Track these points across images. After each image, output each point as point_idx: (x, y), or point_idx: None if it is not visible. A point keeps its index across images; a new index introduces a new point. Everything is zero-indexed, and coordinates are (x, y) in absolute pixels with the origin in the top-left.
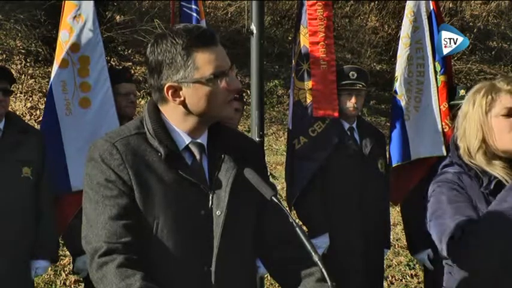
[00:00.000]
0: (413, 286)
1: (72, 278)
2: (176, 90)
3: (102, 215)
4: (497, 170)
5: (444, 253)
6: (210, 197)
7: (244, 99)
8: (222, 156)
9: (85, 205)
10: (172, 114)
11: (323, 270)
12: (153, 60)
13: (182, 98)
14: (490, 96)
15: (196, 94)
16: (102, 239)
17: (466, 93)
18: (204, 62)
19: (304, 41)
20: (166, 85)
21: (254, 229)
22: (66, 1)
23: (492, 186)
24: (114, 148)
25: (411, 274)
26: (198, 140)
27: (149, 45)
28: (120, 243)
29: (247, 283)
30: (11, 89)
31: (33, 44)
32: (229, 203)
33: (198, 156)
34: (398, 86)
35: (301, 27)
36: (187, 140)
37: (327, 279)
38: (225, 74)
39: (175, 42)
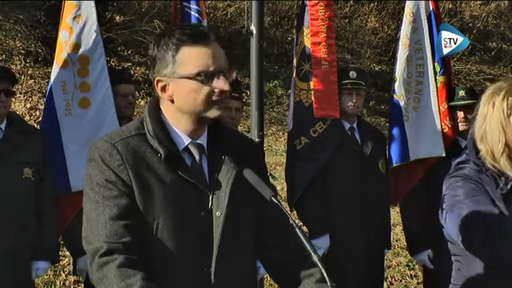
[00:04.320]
0: (412, 287)
1: (72, 278)
2: (165, 85)
3: (102, 215)
4: None
5: (461, 245)
6: (210, 198)
7: (244, 100)
8: (222, 157)
9: (85, 205)
10: (168, 111)
11: (323, 271)
12: (150, 55)
13: (170, 93)
14: (511, 99)
15: (181, 90)
16: (102, 239)
17: (465, 94)
18: (190, 58)
19: (306, 41)
20: (156, 79)
21: (254, 230)
22: (66, 1)
23: (509, 187)
24: (114, 149)
25: (411, 275)
26: (198, 141)
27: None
28: (121, 243)
29: (247, 284)
30: (13, 89)
31: (32, 45)
32: (229, 204)
33: (197, 157)
34: (397, 86)
35: (303, 27)
36: (186, 140)
37: (327, 280)
38: (212, 74)
39: (168, 38)
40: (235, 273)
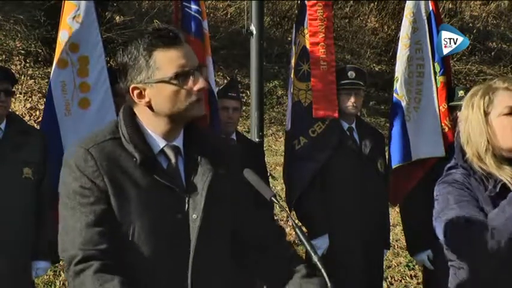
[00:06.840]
0: (412, 287)
1: None
2: (141, 92)
3: (78, 222)
4: (505, 173)
5: (446, 247)
6: (186, 201)
7: (244, 100)
8: (198, 159)
9: (62, 212)
10: (144, 116)
11: (323, 271)
12: (120, 63)
13: (147, 99)
14: (487, 97)
15: (160, 94)
16: (77, 247)
17: (465, 94)
18: (165, 61)
19: (305, 41)
20: (131, 87)
21: (232, 231)
22: (66, 1)
23: (498, 190)
24: (89, 154)
25: (411, 275)
26: (174, 143)
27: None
28: (97, 250)
29: (224, 286)
30: (13, 89)
31: (32, 45)
32: (206, 207)
33: (173, 160)
34: (399, 86)
35: (302, 27)
36: (161, 143)
37: (327, 280)
38: (189, 73)
39: (138, 44)
40: (212, 276)
